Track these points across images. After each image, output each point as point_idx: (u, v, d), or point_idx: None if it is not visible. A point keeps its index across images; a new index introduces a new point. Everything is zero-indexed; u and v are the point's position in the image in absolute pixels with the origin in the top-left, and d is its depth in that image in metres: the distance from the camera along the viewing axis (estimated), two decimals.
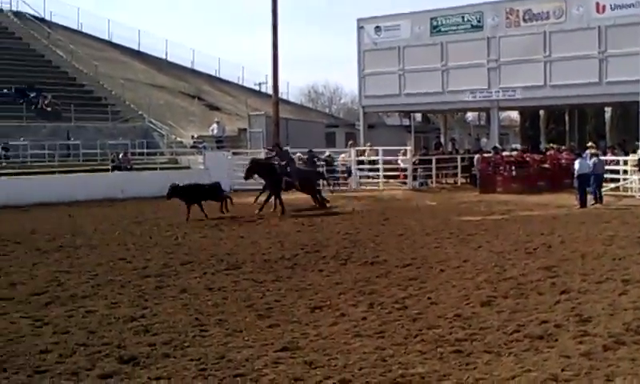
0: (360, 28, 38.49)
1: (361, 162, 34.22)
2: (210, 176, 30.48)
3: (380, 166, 33.07)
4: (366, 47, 38.23)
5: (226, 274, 12.90)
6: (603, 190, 25.37)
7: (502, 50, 34.50)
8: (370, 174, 34.17)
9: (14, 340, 8.72)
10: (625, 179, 28.10)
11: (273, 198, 23.82)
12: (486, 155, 32.12)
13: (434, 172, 33.36)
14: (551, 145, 37.64)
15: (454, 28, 36.18)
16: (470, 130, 55.07)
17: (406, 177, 32.80)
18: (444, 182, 34.69)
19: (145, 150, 38.80)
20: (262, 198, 23.94)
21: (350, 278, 12.26)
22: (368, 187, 32.68)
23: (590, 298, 10.29)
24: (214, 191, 23.00)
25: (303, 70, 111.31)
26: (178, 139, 41.65)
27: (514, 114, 58.16)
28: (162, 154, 38.87)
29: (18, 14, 53.03)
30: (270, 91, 43.56)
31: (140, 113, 43.18)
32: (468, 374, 7.13)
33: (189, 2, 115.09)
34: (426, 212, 23.49)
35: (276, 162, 24.84)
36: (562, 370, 7.15)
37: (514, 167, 31.51)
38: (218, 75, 58.31)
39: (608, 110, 50.43)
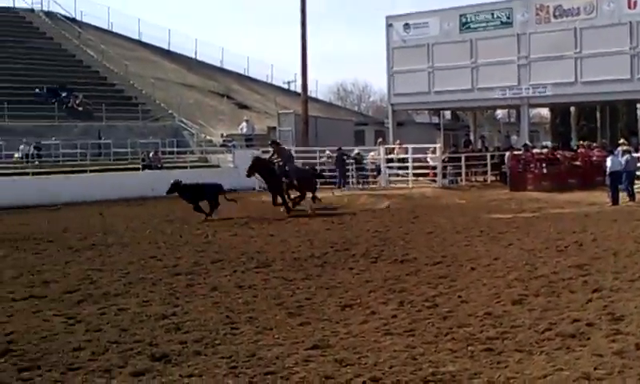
0: (389, 26, 38.41)
1: (390, 160, 34.13)
2: (240, 174, 30.62)
3: (409, 163, 32.96)
4: (395, 45, 38.14)
5: (256, 272, 12.94)
6: (635, 187, 25.11)
7: (532, 47, 34.26)
8: (400, 171, 34.07)
9: (48, 338, 8.80)
10: None
11: (278, 196, 23.52)
12: (516, 153, 31.92)
13: (463, 170, 33.19)
14: (582, 142, 37.27)
15: (484, 25, 35.99)
16: (499, 127, 54.72)
17: (435, 175, 32.67)
18: (474, 179, 34.50)
19: (175, 149, 39.04)
20: (279, 200, 23.63)
21: (379, 276, 12.24)
22: (397, 185, 32.59)
23: (623, 296, 10.18)
24: (213, 193, 22.62)
25: (332, 68, 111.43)
26: (208, 138, 41.86)
27: (545, 111, 57.70)
28: (192, 152, 39.07)
29: (49, 14, 53.57)
30: (299, 89, 43.70)
31: (170, 112, 43.44)
32: (499, 373, 7.09)
33: (218, 1, 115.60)
34: (456, 210, 23.40)
35: (275, 161, 24.35)
36: (595, 369, 7.09)
37: (544, 165, 31.27)
38: (247, 74, 58.51)
39: None
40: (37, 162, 33.77)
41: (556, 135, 49.05)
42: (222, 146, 40.48)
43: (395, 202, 26.44)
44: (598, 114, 48.24)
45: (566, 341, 8.08)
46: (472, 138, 42.23)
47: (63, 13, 54.34)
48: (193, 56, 56.94)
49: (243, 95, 53.90)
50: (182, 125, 41.91)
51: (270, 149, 26.17)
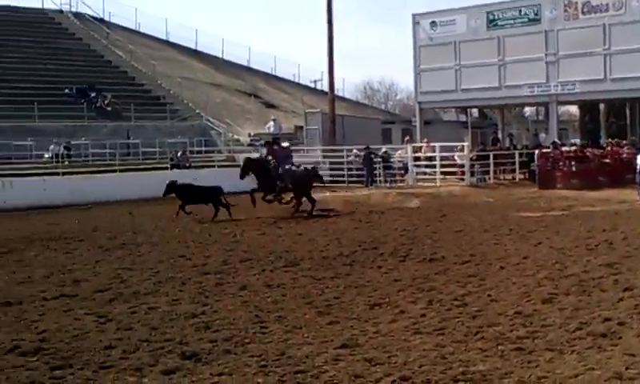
0: (415, 23, 38.34)
1: (417, 159, 34.06)
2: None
3: (437, 162, 32.87)
4: (422, 42, 38.07)
5: (285, 271, 12.96)
6: None
7: (561, 44, 34.05)
8: (427, 170, 33.98)
9: (79, 336, 8.87)
10: None
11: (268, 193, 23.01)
12: (545, 150, 31.72)
13: (491, 168, 33.03)
14: (611, 139, 36.96)
15: (511, 22, 35.82)
16: (527, 125, 54.48)
17: (463, 173, 32.54)
18: (502, 178, 34.32)
19: (202, 148, 39.24)
20: (287, 198, 23.34)
21: (408, 274, 12.22)
22: (425, 184, 32.49)
23: None
24: (210, 195, 22.44)
25: (358, 67, 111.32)
26: (235, 137, 42.02)
27: (573, 109, 57.26)
28: (219, 151, 39.23)
29: (77, 15, 54.05)
30: (326, 88, 43.74)
31: (198, 111, 43.67)
32: (530, 372, 7.05)
33: (244, 1, 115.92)
34: (484, 208, 23.30)
35: (270, 162, 23.83)
36: (626, 368, 7.03)
37: (573, 162, 31.06)
38: (273, 73, 58.58)
39: None
40: (67, 162, 34.08)
41: (585, 133, 48.64)
42: (249, 145, 40.60)
43: (423, 200, 26.36)
44: (627, 111, 47.75)
45: (598, 340, 8.02)
46: (500, 135, 42.00)
47: (92, 14, 54.91)
48: (220, 55, 57.15)
49: (270, 94, 54.02)
50: (210, 124, 42.12)
51: (264, 150, 25.66)
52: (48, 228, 21.35)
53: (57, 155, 34.31)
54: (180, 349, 8.18)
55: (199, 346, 8.26)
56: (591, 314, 9.09)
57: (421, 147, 34.82)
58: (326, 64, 40.79)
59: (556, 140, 33.70)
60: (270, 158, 24.06)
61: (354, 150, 35.32)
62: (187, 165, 33.77)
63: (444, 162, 33.06)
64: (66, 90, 41.77)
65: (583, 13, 33.62)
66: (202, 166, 34.21)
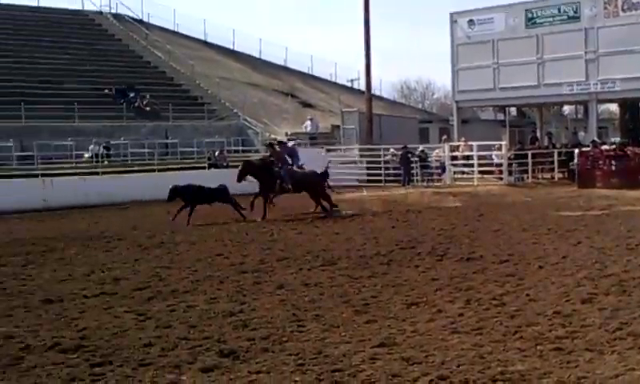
0: (453, 22, 38.17)
1: (455, 158, 33.89)
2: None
3: (474, 161, 32.69)
4: (460, 41, 37.90)
5: (322, 270, 12.97)
6: None
7: (601, 41, 33.67)
8: (465, 169, 33.82)
9: (119, 334, 8.96)
10: None
11: (261, 197, 22.51)
12: (584, 149, 31.40)
13: (529, 167, 32.78)
14: None
15: (550, 20, 35.51)
16: (567, 123, 53.87)
17: (501, 172, 32.33)
18: (540, 177, 34.04)
19: (240, 148, 39.45)
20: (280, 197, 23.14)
21: (446, 274, 12.16)
22: (462, 183, 32.34)
23: None
24: (216, 195, 22.23)
25: (395, 66, 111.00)
26: (272, 136, 42.08)
27: (613, 107, 56.50)
28: (256, 151, 39.34)
29: (117, 16, 54.56)
30: (363, 87, 43.67)
31: (235, 111, 43.88)
32: (569, 373, 6.98)
33: (281, 1, 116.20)
34: (523, 207, 23.11)
35: (273, 162, 23.39)
36: None
37: (613, 161, 30.69)
38: (310, 72, 58.65)
39: None
40: (106, 162, 34.47)
41: (625, 131, 47.83)
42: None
43: (460, 199, 26.24)
44: None
45: (638, 340, 7.91)
46: (538, 134, 41.60)
47: (131, 15, 55.35)
48: (257, 55, 57.35)
49: (307, 94, 54.09)
50: (247, 124, 42.30)
51: (269, 151, 25.04)
52: (88, 227, 21.59)
53: (96, 155, 34.71)
54: (218, 347, 8.23)
55: (237, 344, 8.30)
56: (631, 314, 8.98)
57: (458, 146, 34.66)
58: (362, 63, 40.79)
59: (595, 138, 33.34)
60: (272, 159, 23.63)
61: (391, 150, 35.26)
62: (225, 164, 33.93)
63: (482, 161, 32.87)
64: (106, 91, 42.22)
65: (623, 10, 33.22)
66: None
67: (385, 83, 67.03)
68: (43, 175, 29.32)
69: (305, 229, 19.49)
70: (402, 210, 23.33)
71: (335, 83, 58.02)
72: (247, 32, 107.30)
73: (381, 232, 18.13)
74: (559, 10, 35.18)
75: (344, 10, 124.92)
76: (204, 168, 32.99)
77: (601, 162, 30.54)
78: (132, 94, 42.07)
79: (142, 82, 44.67)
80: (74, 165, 33.32)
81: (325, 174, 23.69)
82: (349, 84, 57.07)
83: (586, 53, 34.12)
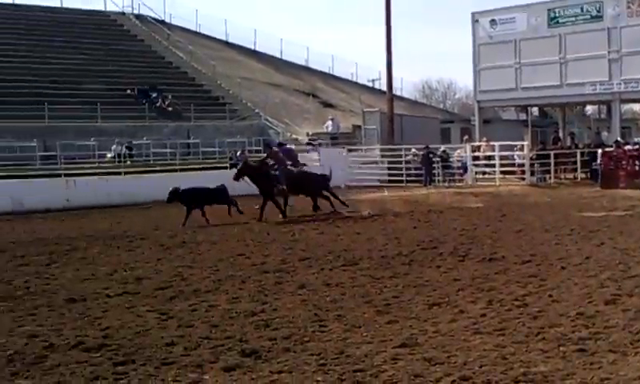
0: (475, 21, 38.04)
1: (476, 158, 33.79)
2: (326, 172, 30.65)
3: (496, 161, 32.57)
4: (481, 41, 37.75)
5: (344, 270, 12.96)
6: None
7: (624, 41, 33.43)
8: (486, 169, 33.70)
9: (141, 333, 9.00)
10: None
11: (268, 201, 22.16)
12: (607, 149, 31.19)
13: (552, 167, 32.60)
14: None
15: (573, 19, 35.29)
16: (589, 123, 53.54)
17: (523, 172, 32.20)
18: (563, 177, 33.87)
19: (261, 148, 39.43)
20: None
21: (467, 274, 12.12)
22: (484, 183, 32.22)
23: None
24: (217, 195, 22.02)
25: (417, 66, 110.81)
26: (294, 136, 42.20)
27: (637, 107, 56.22)
28: None
29: (139, 16, 54.84)
30: (384, 87, 43.67)
31: (256, 111, 43.98)
32: (592, 374, 6.94)
33: (302, 1, 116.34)
34: (545, 208, 22.99)
35: (270, 165, 22.92)
36: None
37: (637, 161, 30.46)
38: (331, 72, 58.65)
39: None
40: (128, 162, 34.67)
41: None
42: (307, 144, 40.73)
43: (482, 200, 26.15)
44: None
45: None
46: (561, 134, 41.39)
47: (153, 15, 55.58)
48: (279, 55, 57.43)
49: (328, 94, 54.12)
50: (268, 124, 42.39)
51: (265, 151, 24.55)
52: (111, 226, 21.71)
53: (119, 155, 34.92)
54: (240, 346, 8.24)
55: (259, 344, 8.31)
56: None
57: (480, 146, 34.55)
58: (384, 63, 40.76)
59: (619, 138, 33.07)
60: (268, 161, 23.16)
61: (413, 150, 35.21)
62: None
63: (504, 162, 32.74)
64: (128, 91, 42.46)
65: None
66: None
67: (406, 83, 66.74)
68: (66, 175, 29.54)
69: (326, 229, 19.49)
70: (423, 211, 23.29)
71: (356, 83, 58.01)
72: (269, 32, 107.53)
73: (402, 232, 18.10)
74: (582, 9, 34.95)
75: (365, 10, 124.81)
76: (225, 168, 33.06)
77: (624, 163, 30.32)
78: (154, 95, 42.28)
79: (164, 82, 44.88)
80: (96, 165, 33.54)
81: (325, 177, 23.43)
82: (370, 84, 57.08)
83: (609, 52, 33.87)
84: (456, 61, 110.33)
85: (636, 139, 43.47)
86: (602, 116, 53.17)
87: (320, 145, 39.45)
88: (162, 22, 55.21)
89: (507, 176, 32.71)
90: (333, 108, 50.09)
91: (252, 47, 57.10)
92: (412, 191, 30.91)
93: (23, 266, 14.70)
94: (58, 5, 53.17)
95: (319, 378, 7.16)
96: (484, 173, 33.63)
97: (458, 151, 34.95)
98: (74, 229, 21.60)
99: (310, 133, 42.55)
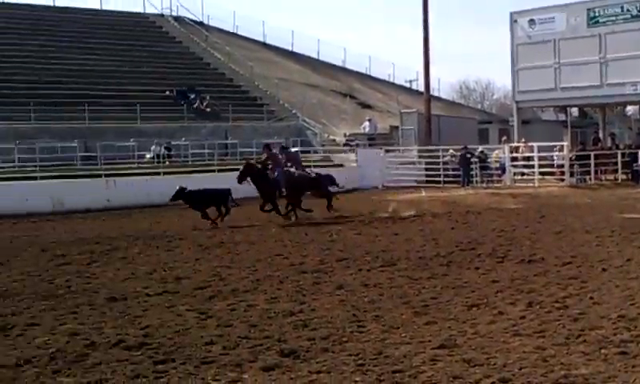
0: (513, 21, 37.77)
1: (515, 159, 33.57)
2: (363, 173, 30.79)
3: (535, 162, 32.32)
4: (520, 41, 37.48)
5: (381, 271, 12.96)
6: None
7: None
8: (525, 170, 33.47)
9: (181, 332, 9.06)
10: None
11: (271, 205, 22.05)
12: None
13: (592, 168, 32.28)
14: None
15: (613, 19, 34.90)
16: (630, 123, 52.81)
17: (562, 173, 31.92)
18: (603, 178, 33.52)
19: (299, 148, 39.51)
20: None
21: (506, 276, 12.05)
22: (523, 184, 31.99)
23: None
24: (220, 198, 21.82)
25: (454, 66, 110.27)
26: (331, 137, 42.23)
27: None
28: (315, 151, 39.47)
29: (177, 18, 55.23)
30: (421, 88, 43.56)
31: (294, 112, 44.04)
32: (634, 377, 6.86)
33: (339, 2, 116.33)
34: (585, 209, 22.77)
35: (268, 166, 22.74)
36: None
37: None
38: (368, 73, 58.57)
39: None
40: (167, 162, 34.91)
41: None
42: (344, 145, 40.75)
43: (521, 201, 25.98)
44: None
45: None
46: (601, 135, 40.93)
47: (191, 17, 55.90)
48: (316, 56, 57.47)
49: (365, 94, 54.05)
50: (306, 124, 42.43)
51: (265, 152, 24.00)
52: (150, 226, 21.90)
53: (158, 155, 35.18)
54: (279, 346, 8.27)
55: (297, 344, 8.34)
56: None
57: (518, 147, 34.31)
58: (421, 64, 40.63)
59: None
60: (268, 163, 22.86)
61: (450, 150, 35.07)
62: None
63: (542, 162, 32.49)
64: (167, 92, 42.76)
65: None
66: None
67: (443, 84, 66.46)
68: (106, 175, 29.87)
69: (364, 229, 19.49)
70: (461, 211, 23.20)
71: (393, 84, 57.87)
72: (306, 33, 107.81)
73: (440, 233, 18.05)
74: (622, 8, 34.55)
75: (402, 10, 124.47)
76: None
77: None
78: (192, 96, 42.53)
79: (202, 83, 45.13)
80: (135, 165, 33.84)
81: (327, 178, 23.29)
82: (407, 84, 56.88)
83: None
84: (494, 61, 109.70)
85: None
86: None
87: (357, 145, 39.44)
88: (200, 24, 55.55)
89: (546, 177, 32.45)
90: (370, 109, 50.03)
91: (289, 48, 57.22)
92: (449, 192, 30.81)
93: (65, 266, 14.90)
94: (98, 7, 53.75)
95: (358, 379, 7.15)
96: (522, 174, 33.42)
97: (496, 152, 34.76)
98: (114, 228, 21.84)
99: (348, 133, 42.54)
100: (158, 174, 31.58)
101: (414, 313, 9.71)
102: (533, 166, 32.49)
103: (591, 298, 10.20)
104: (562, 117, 48.29)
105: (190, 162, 35.55)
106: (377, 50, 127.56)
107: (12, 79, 39.22)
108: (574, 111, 49.02)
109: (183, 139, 36.75)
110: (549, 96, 37.85)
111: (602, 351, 7.67)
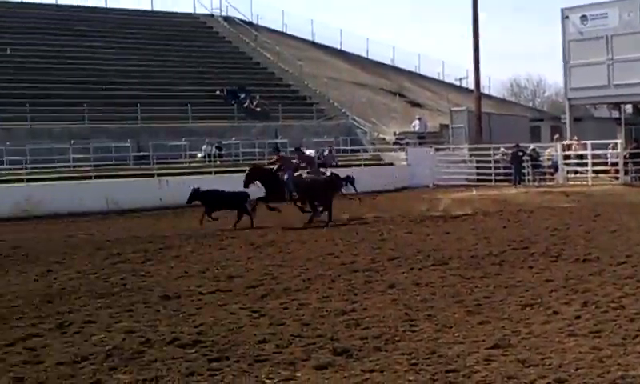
0: (565, 18, 37.28)
1: (567, 157, 33.15)
2: (414, 172, 30.67)
3: (588, 160, 31.89)
4: (572, 37, 36.97)
5: (433, 270, 12.92)
6: None
7: None
8: (578, 168, 33.03)
9: (234, 330, 9.14)
10: None
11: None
12: None
13: None
14: None
15: None
16: None
17: (616, 171, 31.43)
18: None
19: (348, 147, 39.61)
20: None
21: (560, 275, 11.91)
22: (576, 183, 31.58)
23: None
24: (236, 201, 21.76)
25: (505, 64, 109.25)
26: (381, 136, 42.16)
27: None
28: (365, 150, 39.46)
29: (227, 18, 55.62)
30: (471, 86, 43.26)
31: (343, 111, 44.06)
32: None
33: (388, 0, 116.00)
34: None
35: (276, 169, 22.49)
36: None
37: None
38: (418, 71, 58.31)
39: None
40: (218, 162, 35.19)
41: None
42: (394, 143, 40.65)
43: (574, 199, 25.66)
44: None
45: None
46: None
47: (240, 17, 56.24)
48: (365, 55, 57.38)
49: (415, 93, 53.82)
50: (355, 123, 42.43)
51: (274, 156, 23.87)
52: (202, 225, 22.07)
53: (209, 155, 35.50)
54: (331, 345, 8.29)
55: (350, 343, 8.35)
56: None
57: (571, 145, 33.87)
58: (471, 62, 40.36)
59: None
60: (279, 164, 22.59)
61: (502, 149, 34.77)
62: (334, 163, 34.13)
63: (596, 160, 32.02)
64: (217, 92, 43.08)
65: None
66: (349, 165, 34.46)
67: (494, 81, 65.60)
68: (159, 175, 30.21)
69: (415, 228, 19.44)
70: (513, 210, 22.99)
71: (443, 82, 57.53)
72: (354, 32, 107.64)
73: (492, 232, 17.92)
74: None
75: (452, 7, 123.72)
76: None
77: None
78: (242, 95, 42.80)
79: (252, 82, 45.37)
80: (187, 165, 34.17)
81: (341, 180, 22.92)
82: (457, 83, 56.56)
83: None
84: (545, 58, 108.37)
85: None
86: None
87: (407, 144, 39.31)
88: (250, 24, 55.87)
89: (600, 175, 31.98)
90: (420, 107, 49.81)
91: (338, 47, 57.21)
92: (501, 190, 30.54)
93: (119, 264, 15.14)
94: (149, 8, 54.37)
95: (411, 378, 7.14)
96: (575, 172, 32.98)
97: (549, 150, 34.37)
98: (167, 227, 22.11)
99: (397, 132, 42.42)
100: (210, 173, 31.83)
101: (467, 312, 9.65)
102: (586, 164, 32.05)
103: None
104: (615, 114, 47.52)
105: (240, 162, 35.77)
106: (426, 48, 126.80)
107: (67, 80, 39.89)
108: (628, 108, 48.17)
109: (234, 139, 37.03)
110: (602, 93, 37.27)
111: None
